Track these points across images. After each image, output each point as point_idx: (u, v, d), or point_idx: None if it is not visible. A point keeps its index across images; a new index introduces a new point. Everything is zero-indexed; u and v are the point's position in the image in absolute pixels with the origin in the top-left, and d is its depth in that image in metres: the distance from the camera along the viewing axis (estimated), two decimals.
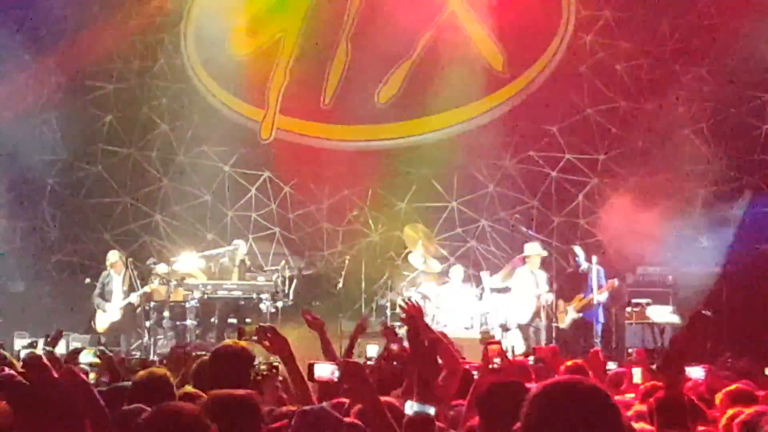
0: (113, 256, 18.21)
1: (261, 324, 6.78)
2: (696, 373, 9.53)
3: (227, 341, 7.10)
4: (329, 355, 8.06)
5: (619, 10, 20.16)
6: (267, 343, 6.64)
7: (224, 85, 21.27)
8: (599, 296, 17.27)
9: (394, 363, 7.24)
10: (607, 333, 17.83)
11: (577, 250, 18.16)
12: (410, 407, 5.57)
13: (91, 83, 21.22)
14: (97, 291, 18.10)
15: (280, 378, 7.08)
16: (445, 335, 9.67)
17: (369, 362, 8.94)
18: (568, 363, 9.20)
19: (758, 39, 18.78)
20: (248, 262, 18.82)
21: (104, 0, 21.01)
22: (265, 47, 21.23)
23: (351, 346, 9.27)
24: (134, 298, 17.76)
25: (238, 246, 18.69)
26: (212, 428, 4.38)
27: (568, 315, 17.78)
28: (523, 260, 18.20)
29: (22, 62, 20.59)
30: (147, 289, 17.74)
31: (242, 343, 6.66)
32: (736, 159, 19.42)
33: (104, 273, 18.22)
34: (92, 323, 18.07)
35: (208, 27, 21.23)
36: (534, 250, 18.04)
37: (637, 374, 9.41)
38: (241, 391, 5.33)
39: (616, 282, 17.54)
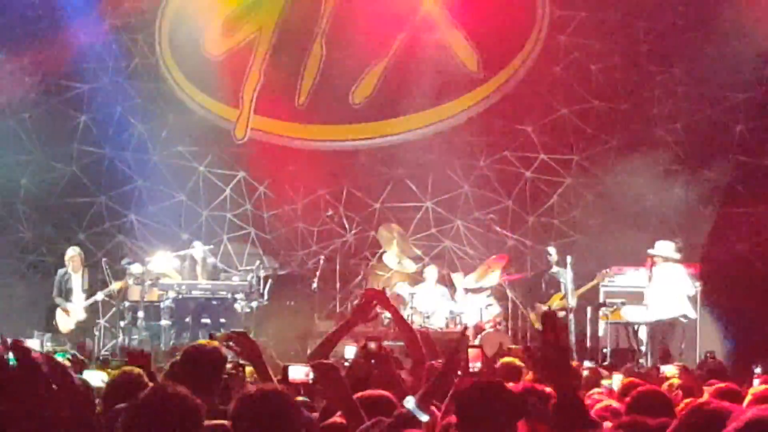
0: (72, 250, 18.12)
1: (233, 330, 6.72)
2: (669, 371, 9.56)
3: (200, 341, 7.05)
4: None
5: (593, 10, 20.17)
6: (238, 348, 6.58)
7: (199, 85, 21.19)
8: (573, 300, 17.28)
9: (372, 362, 7.17)
10: (581, 334, 17.85)
11: (551, 250, 18.19)
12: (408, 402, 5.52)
13: (66, 83, 21.08)
14: (55, 291, 17.98)
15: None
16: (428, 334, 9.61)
17: (345, 363, 8.85)
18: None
19: (732, 39, 18.86)
20: (210, 261, 18.70)
21: None
22: (240, 47, 21.16)
23: (331, 345, 7.71)
24: (100, 296, 17.69)
25: (195, 246, 18.62)
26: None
27: None
28: (502, 259, 18.20)
29: None
30: (115, 286, 17.66)
31: (214, 343, 6.61)
32: (711, 159, 19.49)
33: (61, 271, 18.07)
34: (54, 323, 17.92)
35: (182, 27, 21.13)
36: (665, 250, 16.99)
37: (616, 380, 9.37)
38: (272, 386, 5.27)
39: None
